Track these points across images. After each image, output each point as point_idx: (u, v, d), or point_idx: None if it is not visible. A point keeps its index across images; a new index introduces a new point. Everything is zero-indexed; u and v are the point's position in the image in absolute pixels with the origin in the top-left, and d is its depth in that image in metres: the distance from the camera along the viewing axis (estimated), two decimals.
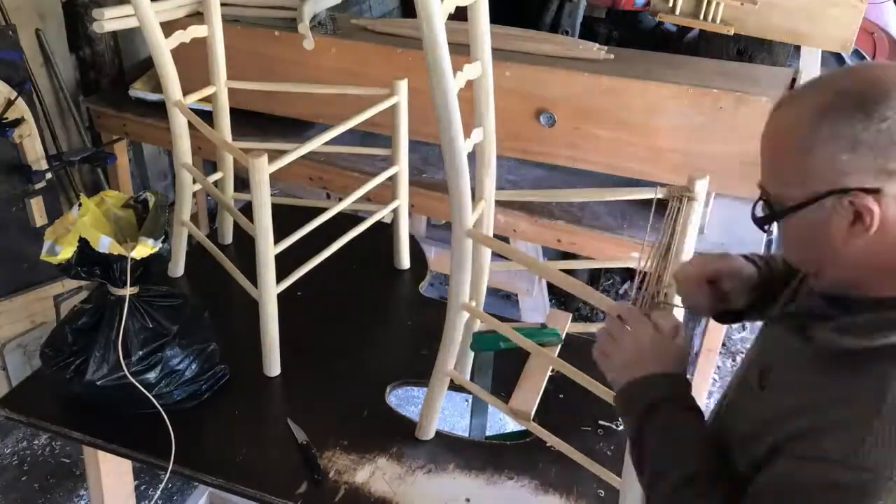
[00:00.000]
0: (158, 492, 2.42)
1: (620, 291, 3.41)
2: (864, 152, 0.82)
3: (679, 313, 1.27)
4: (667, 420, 0.99)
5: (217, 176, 2.01)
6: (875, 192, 0.82)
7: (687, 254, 1.39)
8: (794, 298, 1.04)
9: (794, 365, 0.94)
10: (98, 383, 1.53)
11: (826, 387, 0.87)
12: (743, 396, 1.04)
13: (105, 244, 1.46)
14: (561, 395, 1.63)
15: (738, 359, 3.30)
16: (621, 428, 1.60)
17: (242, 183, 2.00)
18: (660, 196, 1.47)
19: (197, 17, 1.92)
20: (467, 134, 1.29)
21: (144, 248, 1.48)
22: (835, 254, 0.88)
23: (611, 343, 1.06)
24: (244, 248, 1.89)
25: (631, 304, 1.12)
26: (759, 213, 0.94)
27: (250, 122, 2.47)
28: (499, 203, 1.48)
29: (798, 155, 0.86)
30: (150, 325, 1.56)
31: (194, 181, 1.90)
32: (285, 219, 1.71)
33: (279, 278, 1.67)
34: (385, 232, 2.10)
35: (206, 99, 1.92)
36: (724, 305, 1.18)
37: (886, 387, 0.82)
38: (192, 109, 1.78)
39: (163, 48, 1.70)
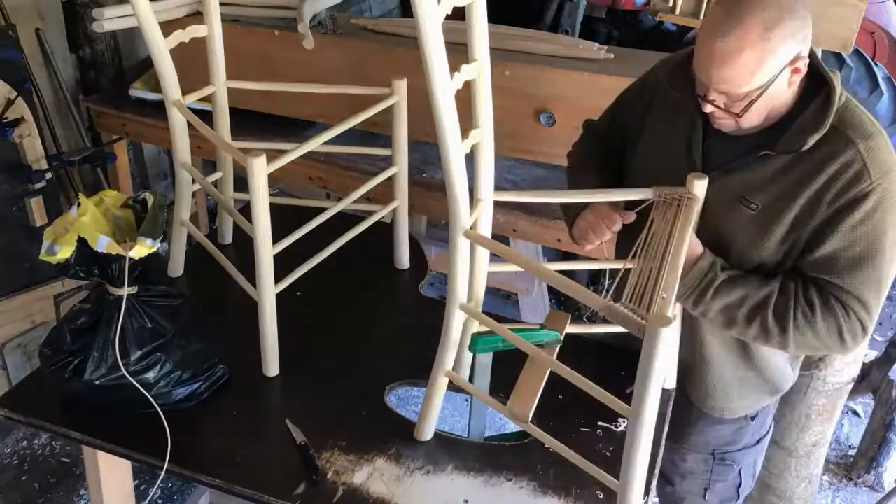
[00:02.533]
0: (158, 492, 2.42)
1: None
2: (798, 33, 1.31)
3: (677, 313, 1.27)
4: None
5: (216, 176, 2.01)
6: (801, 54, 1.34)
7: (687, 253, 1.39)
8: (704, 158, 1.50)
9: (773, 182, 1.42)
10: (97, 383, 1.53)
11: (812, 170, 1.39)
12: (741, 228, 1.46)
13: (103, 244, 1.46)
14: (560, 396, 1.63)
15: None
16: (620, 429, 1.60)
17: (242, 183, 2.00)
18: (656, 197, 1.47)
19: (196, 16, 1.92)
20: (465, 134, 1.29)
21: (143, 248, 1.48)
22: (781, 98, 1.38)
23: None
24: (244, 248, 1.89)
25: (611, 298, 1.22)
26: (734, 106, 1.35)
27: (250, 121, 2.47)
28: (497, 203, 1.48)
29: (765, 57, 1.30)
30: (149, 325, 1.56)
31: (194, 181, 1.90)
32: (285, 219, 1.71)
33: (279, 278, 1.66)
34: (385, 232, 2.09)
35: (206, 99, 1.92)
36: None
37: (849, 139, 1.37)
38: (192, 109, 1.78)
39: (162, 48, 1.69)
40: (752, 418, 1.78)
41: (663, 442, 1.62)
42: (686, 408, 1.77)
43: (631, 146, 1.65)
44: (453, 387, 1.56)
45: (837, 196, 1.37)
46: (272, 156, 1.55)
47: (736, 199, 1.45)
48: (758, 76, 1.31)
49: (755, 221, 1.44)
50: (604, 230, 1.55)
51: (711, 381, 1.69)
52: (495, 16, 1.40)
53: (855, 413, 3.06)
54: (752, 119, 1.39)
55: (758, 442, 1.85)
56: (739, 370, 1.68)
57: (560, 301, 3.31)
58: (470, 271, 1.43)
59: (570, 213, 1.65)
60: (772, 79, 1.31)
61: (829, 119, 1.36)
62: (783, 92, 1.36)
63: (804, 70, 1.35)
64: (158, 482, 1.64)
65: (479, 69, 1.29)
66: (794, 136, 1.38)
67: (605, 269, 1.34)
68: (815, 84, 1.40)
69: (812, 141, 1.36)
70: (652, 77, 1.65)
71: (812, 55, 1.37)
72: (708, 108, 1.39)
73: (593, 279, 3.35)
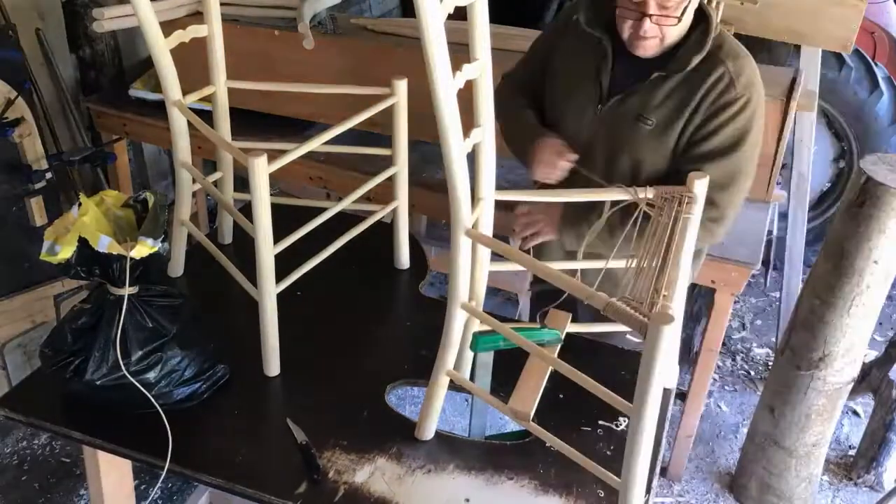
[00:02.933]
0: (158, 492, 2.41)
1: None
2: None
3: (679, 312, 1.27)
4: None
5: (217, 175, 2.01)
6: None
7: (686, 253, 1.39)
8: (610, 84, 1.73)
9: (665, 100, 1.66)
10: (97, 383, 1.53)
11: (694, 86, 1.64)
12: (640, 142, 1.70)
13: (104, 244, 1.46)
14: (561, 395, 1.63)
15: (738, 358, 3.30)
16: (621, 428, 1.60)
17: (242, 182, 1.99)
18: (652, 197, 1.47)
19: (196, 16, 1.92)
20: (467, 134, 1.29)
21: (144, 248, 1.48)
22: (689, 14, 1.60)
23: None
24: (244, 247, 1.89)
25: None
26: (677, 13, 1.57)
27: (250, 121, 2.47)
28: (498, 203, 1.48)
29: None
30: (150, 325, 1.56)
31: (194, 181, 1.90)
32: (285, 218, 1.71)
33: (279, 278, 1.66)
34: (385, 232, 2.09)
35: (206, 99, 1.92)
36: None
37: (720, 59, 1.65)
38: (192, 109, 1.78)
39: (162, 48, 1.69)
40: None
41: (664, 441, 1.62)
42: None
43: (548, 82, 1.84)
44: (454, 386, 1.56)
45: (711, 104, 1.63)
46: (272, 156, 1.55)
47: (635, 117, 1.68)
48: None
49: (651, 135, 1.68)
50: (561, 164, 1.74)
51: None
52: (496, 16, 1.40)
53: (855, 413, 3.06)
54: (675, 33, 1.62)
55: None
56: None
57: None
58: (471, 270, 1.43)
59: (528, 152, 1.81)
60: None
61: (708, 44, 1.62)
62: (688, 13, 1.60)
63: None
64: (160, 482, 1.63)
65: (481, 68, 1.29)
66: (680, 58, 1.64)
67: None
68: (696, 18, 1.64)
69: (695, 62, 1.62)
70: (564, 18, 1.84)
71: None
72: (646, 25, 1.57)
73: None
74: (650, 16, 1.56)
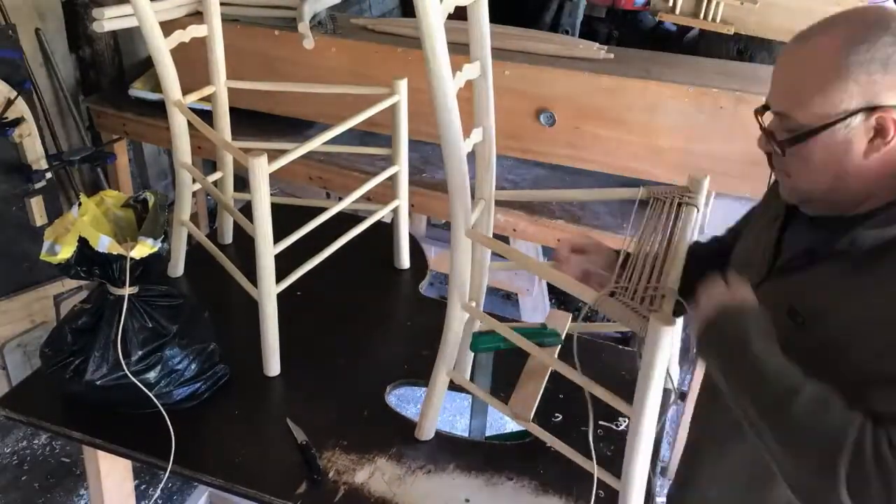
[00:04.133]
0: (158, 491, 2.42)
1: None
2: (893, 71, 0.93)
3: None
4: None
5: (217, 175, 2.01)
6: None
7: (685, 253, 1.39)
8: (777, 252, 1.14)
9: (823, 292, 1.03)
10: (98, 383, 1.53)
11: (872, 284, 0.97)
12: (787, 349, 1.04)
13: (104, 244, 1.46)
14: (561, 396, 1.63)
15: None
16: (621, 428, 1.60)
17: (242, 182, 2.00)
18: (645, 196, 1.46)
19: (197, 16, 1.92)
20: (467, 134, 1.29)
21: (144, 248, 1.48)
22: (850, 170, 0.98)
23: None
24: (244, 247, 1.89)
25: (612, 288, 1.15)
26: (782, 136, 1.02)
27: (250, 121, 2.47)
28: (499, 203, 1.48)
29: (832, 78, 0.95)
30: (150, 325, 1.56)
31: (194, 181, 1.90)
32: (285, 218, 1.71)
33: (279, 278, 1.66)
34: (385, 232, 2.09)
35: (206, 98, 1.92)
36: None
37: None
38: (192, 109, 1.78)
39: (162, 48, 1.69)
40: None
41: (663, 441, 1.62)
42: None
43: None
44: (453, 386, 1.56)
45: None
46: (273, 155, 1.55)
47: (786, 309, 1.07)
48: (817, 100, 0.96)
49: (801, 341, 1.03)
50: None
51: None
52: (495, 15, 1.40)
53: None
54: (809, 178, 1.03)
55: None
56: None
57: (560, 301, 3.31)
58: (471, 270, 1.43)
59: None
60: (835, 118, 0.96)
61: None
62: (856, 159, 0.97)
63: (894, 137, 0.95)
64: (163, 482, 1.63)
65: (481, 68, 1.29)
66: (852, 228, 1.00)
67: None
68: None
69: (866, 241, 0.98)
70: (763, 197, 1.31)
71: None
72: (760, 140, 1.08)
73: None
74: (762, 128, 1.07)
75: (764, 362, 1.00)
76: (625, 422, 1.60)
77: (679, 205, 1.42)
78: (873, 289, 0.98)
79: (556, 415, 1.63)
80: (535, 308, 2.93)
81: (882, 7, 0.98)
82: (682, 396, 2.53)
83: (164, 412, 1.52)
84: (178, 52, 1.74)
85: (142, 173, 3.29)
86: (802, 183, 1.05)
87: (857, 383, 0.97)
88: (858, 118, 0.95)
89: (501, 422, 2.08)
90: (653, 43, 3.28)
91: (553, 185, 2.41)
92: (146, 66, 2.99)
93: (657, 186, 1.48)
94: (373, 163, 2.49)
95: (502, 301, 3.26)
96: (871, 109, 0.94)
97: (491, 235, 1.48)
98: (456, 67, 1.19)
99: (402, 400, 2.63)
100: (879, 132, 0.95)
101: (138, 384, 1.52)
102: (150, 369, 1.54)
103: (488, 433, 1.68)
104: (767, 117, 1.07)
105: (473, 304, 1.48)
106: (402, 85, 1.86)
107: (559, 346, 1.50)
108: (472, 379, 1.60)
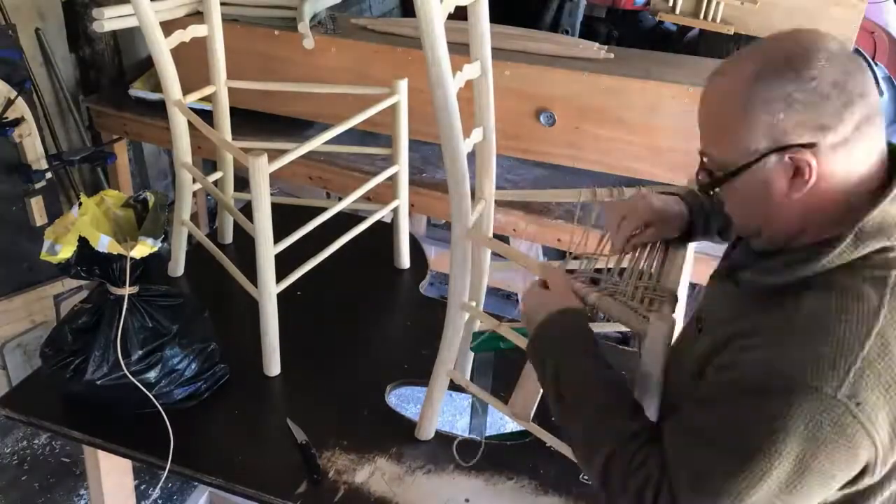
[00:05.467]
0: (158, 491, 2.41)
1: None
2: (799, 109, 0.89)
3: (679, 310, 1.27)
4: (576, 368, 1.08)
5: (217, 175, 2.01)
6: (811, 146, 0.89)
7: (686, 251, 1.39)
8: (729, 256, 1.14)
9: (723, 307, 1.05)
10: (98, 383, 1.53)
11: (749, 318, 0.97)
12: (684, 343, 1.14)
13: (105, 243, 1.46)
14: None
15: None
16: None
17: (242, 182, 2.00)
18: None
19: (197, 16, 1.92)
20: (467, 134, 1.29)
21: (144, 248, 1.48)
22: (777, 209, 0.95)
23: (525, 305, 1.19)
24: (244, 247, 1.89)
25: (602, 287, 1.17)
26: (703, 179, 1.01)
27: (250, 121, 2.47)
28: (499, 203, 1.48)
29: (738, 119, 0.92)
30: (150, 325, 1.56)
31: (194, 181, 1.90)
32: (285, 218, 1.71)
33: (279, 278, 1.66)
34: (385, 232, 2.09)
35: (206, 98, 1.92)
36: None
37: (799, 307, 0.92)
38: (192, 109, 1.78)
39: (162, 48, 1.69)
40: None
41: None
42: None
43: None
44: (453, 386, 1.56)
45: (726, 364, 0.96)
46: (273, 155, 1.55)
47: (697, 314, 1.14)
48: (728, 141, 0.95)
49: (698, 345, 1.06)
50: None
51: None
52: (495, 15, 1.40)
53: None
54: (735, 213, 1.04)
55: None
56: None
57: None
58: (471, 270, 1.43)
59: None
60: (749, 160, 0.93)
61: (798, 268, 0.94)
62: (778, 199, 0.94)
63: (813, 179, 0.90)
64: (161, 482, 1.63)
65: (481, 68, 1.29)
66: (758, 262, 1.01)
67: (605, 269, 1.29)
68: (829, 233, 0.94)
69: (769, 278, 0.97)
70: None
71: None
72: (697, 180, 1.05)
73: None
74: (699, 168, 1.04)
75: (572, 368, 1.08)
76: None
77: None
78: (745, 317, 0.98)
79: None
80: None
81: (807, 34, 0.93)
82: None
83: (163, 412, 1.52)
84: (178, 52, 1.74)
85: (142, 173, 3.29)
86: (736, 219, 1.05)
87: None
88: (773, 158, 0.91)
89: (501, 421, 2.08)
90: (653, 43, 3.27)
91: (553, 185, 2.41)
92: (146, 66, 2.98)
93: (660, 186, 1.48)
94: (373, 163, 2.49)
95: (502, 301, 3.25)
96: (781, 149, 0.90)
97: (491, 235, 1.48)
98: (456, 67, 1.19)
99: (402, 400, 2.62)
100: (797, 172, 0.91)
101: (138, 384, 1.52)
102: (150, 369, 1.54)
103: (488, 433, 1.68)
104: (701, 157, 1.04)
105: (473, 303, 1.48)
106: (402, 85, 1.86)
107: None
108: (472, 379, 1.60)
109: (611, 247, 1.31)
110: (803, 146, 0.89)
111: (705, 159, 1.01)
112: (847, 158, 0.91)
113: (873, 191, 0.93)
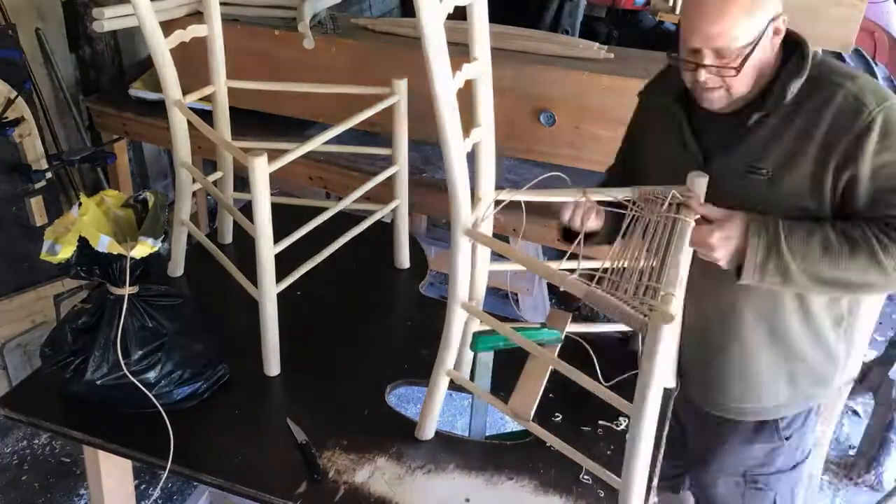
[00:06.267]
0: (158, 491, 2.42)
1: None
2: None
3: (678, 305, 1.27)
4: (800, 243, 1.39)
5: (217, 175, 2.01)
6: (780, 14, 1.40)
7: (686, 253, 1.39)
8: (702, 150, 1.53)
9: (772, 143, 1.44)
10: (98, 383, 1.53)
11: (824, 118, 1.40)
12: (758, 196, 1.45)
13: (105, 243, 1.46)
14: (560, 395, 1.63)
15: None
16: (621, 428, 1.60)
17: (242, 182, 1.99)
18: (637, 198, 1.47)
19: (197, 16, 1.93)
20: (467, 134, 1.29)
21: (144, 248, 1.48)
22: (768, 60, 1.43)
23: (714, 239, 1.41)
24: (244, 247, 1.89)
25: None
26: (734, 63, 1.38)
27: (250, 121, 2.47)
28: (498, 203, 1.48)
29: (752, 10, 1.35)
30: (150, 325, 1.56)
31: (194, 181, 1.90)
32: (285, 218, 1.71)
33: (279, 278, 1.66)
34: (385, 231, 2.09)
35: (206, 98, 1.92)
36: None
37: (834, 82, 1.41)
38: (192, 109, 1.78)
39: (162, 48, 1.69)
40: (787, 438, 1.71)
41: (664, 442, 1.62)
42: (712, 427, 1.73)
43: (641, 174, 1.63)
44: (454, 386, 1.56)
45: (843, 138, 1.37)
46: (273, 155, 1.55)
47: (744, 171, 1.46)
48: (750, 27, 1.35)
49: (770, 185, 1.44)
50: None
51: (742, 376, 1.62)
52: (495, 15, 1.40)
53: (855, 413, 3.06)
54: (744, 83, 1.42)
55: (794, 467, 1.75)
56: (780, 361, 1.61)
57: (560, 301, 3.31)
58: (471, 270, 1.43)
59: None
60: (760, 33, 1.36)
61: (807, 67, 1.41)
62: (767, 53, 1.41)
63: (783, 30, 1.41)
64: (161, 482, 1.63)
65: (481, 68, 1.29)
66: (777, 90, 1.42)
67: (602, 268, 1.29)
68: (790, 50, 1.46)
69: (793, 88, 1.41)
70: (637, 109, 1.73)
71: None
72: (702, 76, 1.40)
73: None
74: (705, 66, 1.39)
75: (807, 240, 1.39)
76: (625, 422, 1.60)
77: (678, 206, 1.42)
78: (813, 120, 1.39)
79: (557, 415, 1.63)
80: (535, 308, 2.93)
81: None
82: None
83: (163, 412, 1.52)
84: (178, 52, 1.74)
85: (142, 173, 3.29)
86: (743, 88, 1.42)
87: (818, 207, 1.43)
88: (770, 27, 1.38)
89: (501, 421, 2.08)
90: (653, 43, 3.27)
91: (553, 185, 2.40)
92: (146, 66, 2.99)
93: (653, 187, 1.48)
94: (373, 163, 2.49)
95: (502, 301, 3.26)
96: (773, 18, 1.38)
97: (491, 235, 1.48)
98: (456, 67, 1.19)
99: (402, 400, 2.63)
100: (776, 32, 1.40)
101: (138, 384, 1.52)
102: (149, 369, 1.54)
103: (488, 432, 1.68)
104: (707, 57, 1.38)
105: (473, 303, 1.48)
106: (402, 85, 1.86)
107: (559, 346, 1.50)
108: (472, 378, 1.60)
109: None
110: (778, 15, 1.39)
111: (721, 53, 1.37)
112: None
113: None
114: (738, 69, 1.38)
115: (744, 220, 1.40)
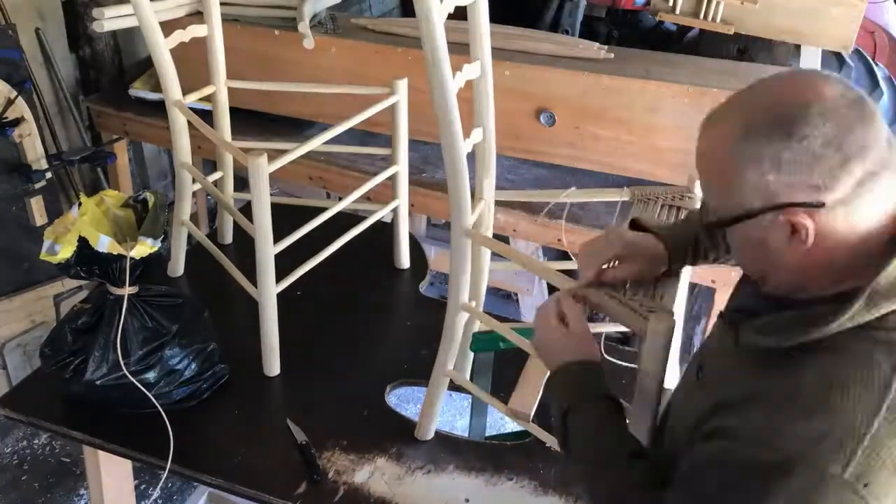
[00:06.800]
0: (158, 491, 2.41)
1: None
2: (790, 170, 0.83)
3: (678, 315, 1.27)
4: (585, 422, 1.08)
5: (217, 175, 2.01)
6: (806, 206, 0.84)
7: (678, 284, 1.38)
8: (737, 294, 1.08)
9: (723, 361, 1.00)
10: (97, 383, 1.53)
11: (748, 379, 0.92)
12: (685, 389, 1.10)
13: (105, 243, 1.46)
14: None
15: None
16: None
17: (242, 182, 2.00)
18: (630, 197, 1.46)
19: (197, 16, 1.92)
20: (467, 134, 1.29)
21: (144, 248, 1.48)
22: (779, 261, 0.90)
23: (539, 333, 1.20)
24: (244, 247, 1.89)
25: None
26: (707, 218, 0.97)
27: (250, 121, 2.47)
28: (499, 203, 1.48)
29: (727, 176, 0.88)
30: (150, 325, 1.56)
31: (194, 181, 1.90)
32: (285, 218, 1.71)
33: (279, 278, 1.66)
34: (385, 231, 2.09)
35: (206, 98, 1.92)
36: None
37: (802, 373, 0.85)
38: (192, 109, 1.78)
39: (162, 48, 1.69)
40: None
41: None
42: None
43: None
44: (453, 386, 1.56)
45: (734, 421, 0.89)
46: (273, 155, 1.55)
47: (700, 361, 1.07)
48: (721, 193, 0.91)
49: (690, 393, 1.06)
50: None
51: None
52: (495, 15, 1.40)
53: None
54: (738, 258, 1.00)
55: None
56: None
57: None
58: (471, 270, 1.43)
59: None
60: (743, 215, 0.88)
61: (814, 329, 0.87)
62: (778, 252, 0.89)
63: (810, 239, 0.85)
64: (161, 482, 1.64)
65: (481, 68, 1.29)
66: (772, 318, 0.93)
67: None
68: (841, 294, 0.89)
69: (780, 339, 0.89)
70: None
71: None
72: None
73: None
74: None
75: (579, 419, 1.08)
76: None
77: (677, 208, 1.42)
78: (754, 386, 0.90)
79: None
80: (535, 308, 2.92)
81: (803, 81, 0.87)
82: None
83: (163, 412, 1.52)
84: (178, 52, 1.74)
85: (142, 173, 3.29)
86: (738, 262, 1.01)
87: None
88: (768, 217, 0.86)
89: (501, 421, 2.08)
90: (653, 43, 3.27)
91: (553, 185, 2.40)
92: (146, 66, 2.98)
93: (648, 187, 1.48)
94: (373, 163, 2.49)
95: (502, 301, 3.25)
96: (776, 208, 0.85)
97: (491, 235, 1.48)
98: (456, 67, 1.19)
99: (402, 400, 2.63)
100: (794, 231, 0.86)
101: (138, 384, 1.52)
102: (149, 369, 1.54)
103: (488, 433, 1.68)
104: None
105: (473, 304, 1.48)
106: (402, 85, 1.86)
107: None
108: (472, 378, 1.60)
109: (582, 282, 1.23)
110: (797, 205, 0.84)
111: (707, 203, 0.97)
112: (848, 216, 0.84)
113: (884, 245, 0.86)
114: (706, 228, 1.04)
115: (580, 351, 1.13)
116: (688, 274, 1.43)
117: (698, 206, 1.43)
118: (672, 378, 1.69)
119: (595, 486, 1.05)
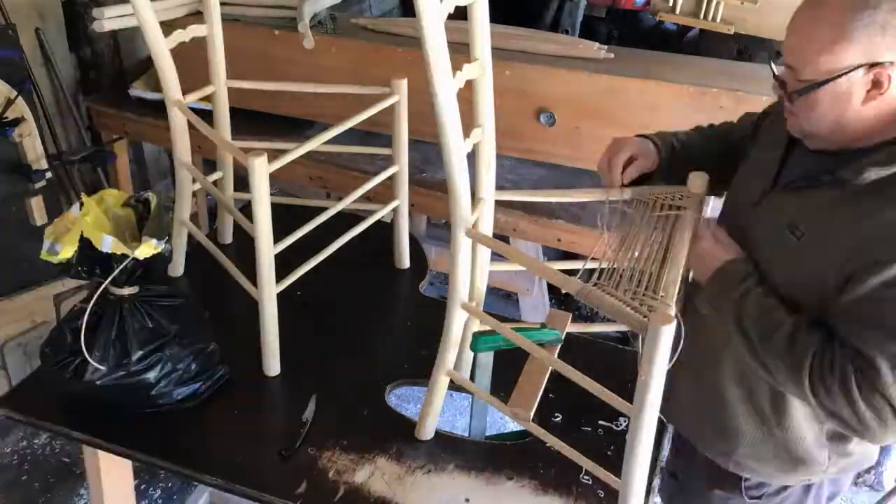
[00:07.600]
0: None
1: None
2: (892, 33, 1.09)
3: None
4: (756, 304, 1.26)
5: (217, 175, 2.01)
6: (892, 64, 1.11)
7: (685, 252, 1.39)
8: (779, 173, 1.32)
9: (824, 212, 1.21)
10: (98, 383, 1.53)
11: (875, 218, 1.14)
12: (779, 255, 1.26)
13: (108, 244, 1.46)
14: (560, 395, 1.63)
15: None
16: (621, 428, 1.60)
17: (242, 182, 1.99)
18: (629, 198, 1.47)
19: (197, 16, 1.93)
20: (467, 134, 1.29)
21: (148, 249, 1.48)
22: (851, 114, 1.16)
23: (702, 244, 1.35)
24: (244, 247, 1.89)
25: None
26: (792, 87, 1.19)
27: (250, 121, 2.47)
28: (499, 203, 1.48)
29: (838, 40, 1.12)
30: (150, 325, 1.56)
31: (194, 180, 1.90)
32: (285, 218, 1.71)
33: (279, 278, 1.66)
34: (385, 231, 2.09)
35: (206, 98, 1.92)
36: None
37: None
38: (192, 109, 1.78)
39: (162, 48, 1.69)
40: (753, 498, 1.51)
41: (664, 442, 1.62)
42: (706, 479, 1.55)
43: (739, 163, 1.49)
44: (454, 386, 1.56)
45: (878, 254, 1.12)
46: (273, 155, 1.55)
47: (784, 223, 1.25)
48: (824, 58, 1.13)
49: (794, 252, 1.23)
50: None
51: (730, 428, 1.44)
52: (495, 15, 1.40)
53: None
54: (813, 121, 1.20)
55: None
56: (760, 423, 1.41)
57: (560, 300, 3.31)
58: (471, 270, 1.43)
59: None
60: (839, 73, 1.12)
61: None
62: (855, 106, 1.15)
63: (888, 89, 1.12)
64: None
65: (481, 68, 1.29)
66: (854, 163, 1.17)
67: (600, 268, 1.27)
68: None
69: (870, 175, 1.15)
70: (767, 108, 1.53)
71: None
72: (774, 88, 1.25)
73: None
74: (774, 77, 1.24)
75: (755, 305, 1.25)
76: (625, 422, 1.60)
77: (677, 207, 1.42)
78: (868, 217, 1.15)
79: (556, 415, 1.63)
80: (535, 308, 2.93)
81: None
82: None
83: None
84: (178, 52, 1.74)
85: (142, 173, 3.29)
86: (807, 125, 1.22)
87: (831, 301, 1.19)
88: (859, 72, 1.12)
89: (501, 421, 2.08)
90: (653, 43, 3.28)
91: (553, 185, 2.41)
92: (146, 66, 2.99)
93: (648, 187, 1.48)
94: (373, 163, 2.49)
95: (502, 301, 3.26)
96: (870, 66, 1.11)
97: (491, 235, 1.48)
98: (456, 67, 1.19)
99: (402, 400, 2.63)
100: (876, 84, 1.12)
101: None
102: (150, 369, 1.54)
103: (488, 433, 1.68)
104: (781, 68, 1.22)
105: (473, 304, 1.48)
106: (402, 85, 1.86)
107: (559, 346, 1.50)
108: (472, 378, 1.60)
109: (608, 182, 1.49)
110: (886, 64, 1.10)
111: (791, 72, 1.19)
112: None
113: None
114: (791, 97, 1.20)
115: (732, 255, 1.31)
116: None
117: (698, 206, 1.44)
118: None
119: (793, 364, 1.19)
